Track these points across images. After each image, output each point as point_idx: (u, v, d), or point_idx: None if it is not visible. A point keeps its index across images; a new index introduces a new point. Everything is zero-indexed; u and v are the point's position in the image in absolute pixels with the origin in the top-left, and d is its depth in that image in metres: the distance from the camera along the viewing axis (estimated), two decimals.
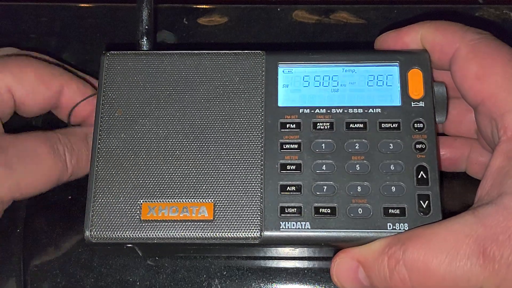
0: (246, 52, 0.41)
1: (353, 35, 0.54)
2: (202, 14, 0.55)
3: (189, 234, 0.37)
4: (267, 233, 0.37)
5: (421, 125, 0.39)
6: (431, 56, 0.40)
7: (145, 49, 0.43)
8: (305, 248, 0.42)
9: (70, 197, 0.46)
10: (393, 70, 0.40)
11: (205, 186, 0.38)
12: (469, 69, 0.37)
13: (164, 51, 0.41)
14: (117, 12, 0.55)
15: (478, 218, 0.33)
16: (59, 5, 0.56)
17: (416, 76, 0.40)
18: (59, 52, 0.53)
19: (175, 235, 0.38)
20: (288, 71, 0.41)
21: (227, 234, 0.37)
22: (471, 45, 0.38)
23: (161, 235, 0.38)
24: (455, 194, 0.46)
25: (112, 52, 0.41)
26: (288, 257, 0.44)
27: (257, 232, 0.37)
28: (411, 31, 0.41)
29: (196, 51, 0.41)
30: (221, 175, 0.39)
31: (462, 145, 0.43)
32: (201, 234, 0.37)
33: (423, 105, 0.39)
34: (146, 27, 0.43)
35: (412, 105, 0.39)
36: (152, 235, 0.38)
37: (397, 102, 0.40)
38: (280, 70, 0.41)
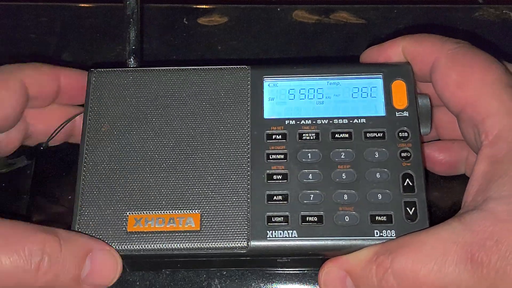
0: (232, 67, 0.42)
1: (353, 35, 0.54)
2: (202, 14, 0.55)
3: (176, 245, 0.37)
4: (254, 243, 0.37)
5: (406, 134, 0.39)
6: (413, 68, 0.41)
7: (132, 60, 0.44)
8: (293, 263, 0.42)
9: (70, 197, 0.47)
10: (377, 82, 0.41)
11: (192, 197, 0.38)
12: (449, 77, 0.38)
13: (151, 68, 0.42)
14: (117, 12, 0.55)
15: (465, 224, 0.33)
16: (59, 5, 0.56)
17: (399, 87, 0.41)
18: (59, 52, 0.53)
19: (162, 246, 0.37)
20: (274, 85, 0.41)
21: (214, 245, 0.37)
22: (449, 54, 0.38)
23: (147, 246, 0.37)
24: (455, 194, 0.46)
25: (99, 69, 0.42)
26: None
27: (244, 241, 0.37)
28: (393, 44, 0.41)
29: (182, 67, 0.42)
30: (207, 186, 0.39)
31: (460, 149, 0.44)
32: (188, 245, 0.37)
33: (407, 115, 0.40)
34: (133, 47, 0.44)
35: (397, 115, 0.40)
36: (139, 247, 0.37)
37: (381, 112, 0.40)
38: (265, 83, 0.41)
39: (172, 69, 0.42)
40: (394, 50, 0.41)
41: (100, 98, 0.41)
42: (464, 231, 0.33)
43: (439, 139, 0.45)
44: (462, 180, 0.45)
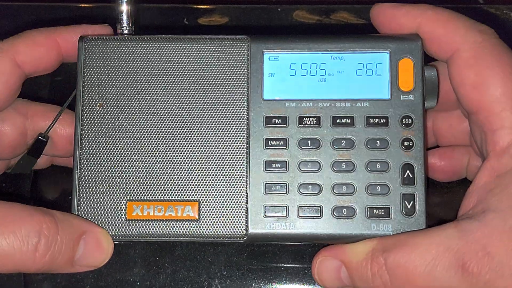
0: (230, 37, 0.40)
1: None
2: (202, 14, 0.55)
3: (175, 233, 0.37)
4: (252, 232, 0.37)
5: (410, 121, 0.38)
6: (427, 46, 0.39)
7: (125, 26, 0.41)
8: None
9: (70, 197, 0.46)
10: (384, 57, 0.39)
11: (190, 184, 0.38)
12: (468, 76, 0.37)
13: (145, 36, 0.40)
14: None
15: (460, 232, 0.34)
16: (59, 5, 0.56)
17: (406, 66, 0.39)
18: None
19: (161, 234, 0.38)
20: (274, 58, 0.39)
21: (212, 233, 0.37)
22: (472, 49, 0.37)
23: (146, 234, 0.38)
24: (453, 194, 0.46)
25: (90, 36, 0.40)
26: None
27: (243, 231, 0.37)
28: (410, 15, 0.39)
29: (178, 36, 0.40)
30: (205, 173, 0.38)
31: (461, 155, 0.43)
32: (186, 233, 0.37)
33: (413, 99, 0.38)
34: (126, 1, 0.41)
35: (401, 99, 0.38)
36: (138, 234, 0.38)
37: (386, 95, 0.39)
38: (265, 57, 0.39)
39: (167, 37, 0.40)
40: (409, 21, 0.39)
41: (92, 71, 0.39)
42: (458, 239, 0.33)
43: (437, 146, 0.45)
44: (462, 180, 0.45)
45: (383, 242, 0.36)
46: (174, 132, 0.39)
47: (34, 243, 0.34)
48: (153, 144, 0.39)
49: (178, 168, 0.38)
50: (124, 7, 0.41)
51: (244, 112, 0.39)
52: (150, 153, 0.38)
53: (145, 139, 0.39)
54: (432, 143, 0.45)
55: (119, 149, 0.39)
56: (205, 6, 0.55)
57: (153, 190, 0.38)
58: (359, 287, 0.36)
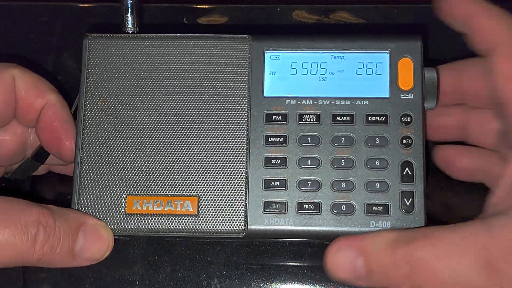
0: (232, 36, 0.40)
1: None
2: (202, 14, 0.55)
3: (174, 228, 0.38)
4: (251, 228, 0.38)
5: (409, 119, 0.39)
6: (472, 37, 0.38)
7: (130, 26, 0.41)
8: None
9: (70, 197, 0.46)
10: (383, 57, 0.40)
11: (190, 180, 0.38)
12: (507, 69, 0.37)
13: (149, 34, 0.41)
14: (117, 12, 0.55)
15: (488, 228, 0.33)
16: (59, 5, 0.56)
17: (406, 66, 0.39)
18: (59, 52, 0.53)
19: (160, 229, 0.38)
20: (276, 57, 0.40)
21: (211, 229, 0.38)
22: None
23: (146, 228, 0.38)
24: (456, 196, 0.46)
25: (95, 34, 0.41)
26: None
27: (241, 226, 0.38)
28: (463, 4, 0.38)
29: (181, 35, 0.40)
30: (205, 168, 0.39)
31: (488, 156, 0.42)
32: (186, 228, 0.38)
33: (412, 97, 0.39)
34: (131, 1, 0.41)
35: (401, 97, 0.39)
36: (137, 228, 0.38)
37: (386, 93, 0.39)
38: (267, 56, 0.40)
39: (170, 36, 0.41)
40: (461, 11, 0.38)
41: (96, 68, 0.40)
42: (486, 236, 0.33)
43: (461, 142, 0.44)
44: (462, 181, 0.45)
45: (405, 234, 0.35)
46: (175, 128, 0.39)
47: (33, 234, 0.35)
48: (153, 139, 0.39)
49: (178, 163, 0.39)
50: (129, 6, 0.41)
51: (244, 109, 0.39)
52: (151, 148, 0.39)
53: (146, 134, 0.39)
54: (457, 138, 0.44)
55: (121, 144, 0.39)
56: (204, 6, 0.55)
57: (153, 185, 0.38)
58: (376, 280, 0.35)
